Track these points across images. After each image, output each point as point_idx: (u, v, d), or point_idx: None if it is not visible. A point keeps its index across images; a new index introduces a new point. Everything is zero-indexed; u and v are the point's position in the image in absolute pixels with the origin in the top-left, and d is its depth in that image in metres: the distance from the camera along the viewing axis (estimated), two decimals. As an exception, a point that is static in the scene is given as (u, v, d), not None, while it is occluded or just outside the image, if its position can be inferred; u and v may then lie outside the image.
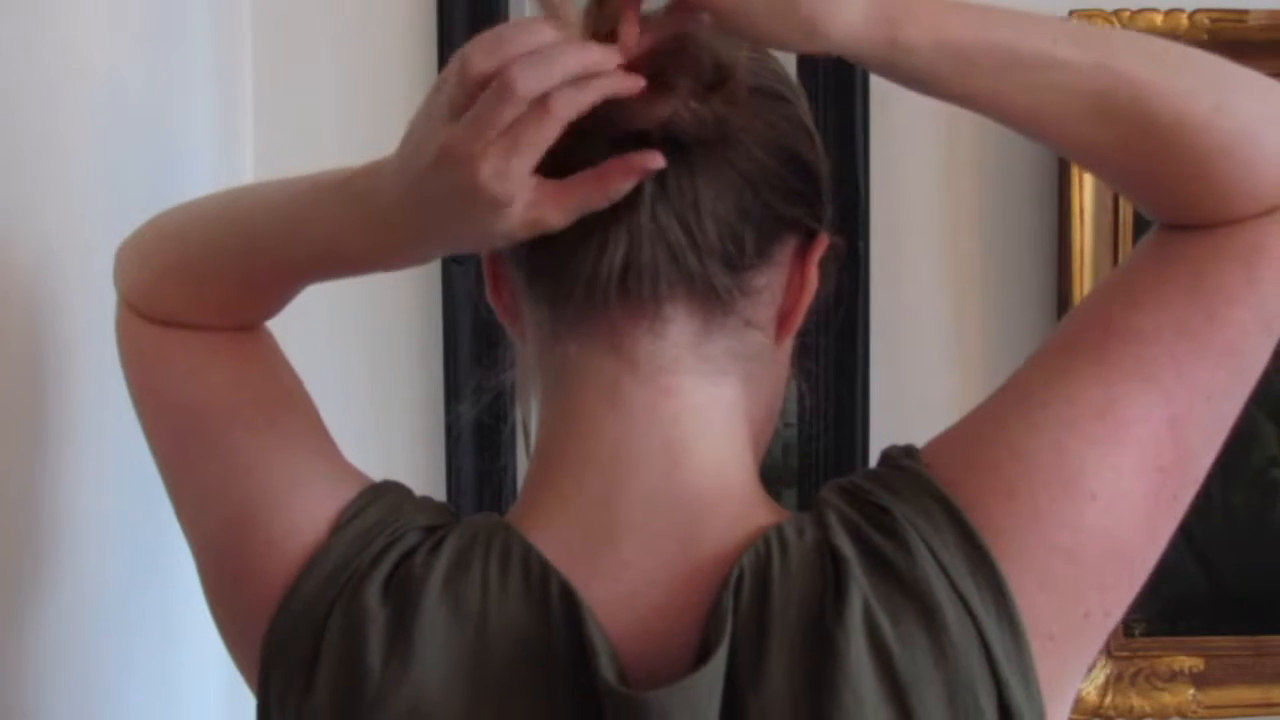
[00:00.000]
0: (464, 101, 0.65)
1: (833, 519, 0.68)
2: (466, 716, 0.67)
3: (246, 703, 0.75)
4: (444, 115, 0.66)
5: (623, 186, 0.66)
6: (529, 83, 0.64)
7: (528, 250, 0.71)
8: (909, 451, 0.72)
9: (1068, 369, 0.71)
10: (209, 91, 1.33)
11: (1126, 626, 1.42)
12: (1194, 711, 1.44)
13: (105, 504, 1.04)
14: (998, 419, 0.72)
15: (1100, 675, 1.43)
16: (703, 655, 0.65)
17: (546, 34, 0.66)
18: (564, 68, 0.65)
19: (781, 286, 0.74)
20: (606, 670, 0.65)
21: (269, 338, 0.83)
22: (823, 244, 0.75)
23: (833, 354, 1.41)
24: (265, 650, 0.71)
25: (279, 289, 0.80)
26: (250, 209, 0.80)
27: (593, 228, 0.68)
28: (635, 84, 0.66)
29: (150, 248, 0.83)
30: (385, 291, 1.43)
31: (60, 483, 0.97)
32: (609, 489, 0.70)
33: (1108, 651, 1.43)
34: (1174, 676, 1.44)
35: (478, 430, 1.40)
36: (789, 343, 0.77)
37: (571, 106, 0.65)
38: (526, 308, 0.74)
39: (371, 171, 0.71)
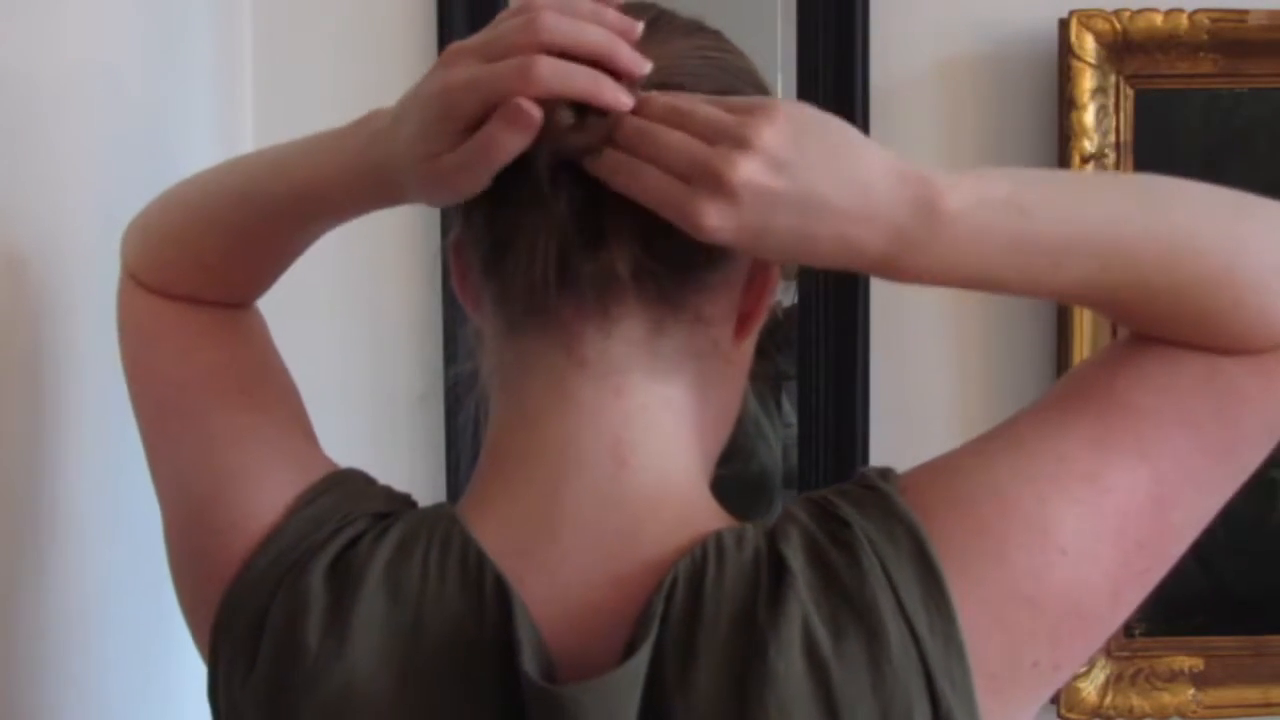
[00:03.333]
0: (499, 46, 0.66)
1: (791, 530, 0.68)
2: (396, 701, 0.67)
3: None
4: (477, 44, 0.67)
5: (508, 140, 0.65)
6: (557, 23, 0.65)
7: (482, 242, 0.72)
8: (884, 474, 0.71)
9: (1065, 426, 0.70)
10: (209, 91, 1.33)
11: (1127, 627, 1.42)
12: (1194, 711, 1.44)
13: (104, 503, 1.04)
14: (985, 459, 0.71)
15: (1100, 675, 1.43)
16: (626, 654, 0.65)
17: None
18: (591, 33, 0.65)
19: (740, 284, 0.74)
20: (529, 664, 0.65)
21: (260, 322, 0.85)
22: None
23: (833, 354, 1.41)
24: (215, 627, 0.73)
25: (269, 243, 0.81)
26: (246, 166, 0.82)
27: (530, 224, 0.68)
28: (615, 99, 0.66)
29: (154, 217, 0.85)
30: (385, 291, 1.43)
31: (58, 480, 0.97)
32: (554, 485, 0.70)
33: (1108, 651, 1.43)
34: (1174, 676, 1.44)
35: (478, 429, 1.40)
36: (749, 344, 0.76)
37: (553, 84, 0.65)
38: (484, 294, 0.74)
39: (377, 109, 0.73)
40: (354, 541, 0.71)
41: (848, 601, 0.65)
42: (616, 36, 0.66)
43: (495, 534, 0.70)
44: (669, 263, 0.69)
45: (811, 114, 0.66)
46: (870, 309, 1.42)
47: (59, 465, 0.97)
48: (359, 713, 0.68)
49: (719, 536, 0.68)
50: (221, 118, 1.36)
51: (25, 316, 0.93)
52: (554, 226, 0.68)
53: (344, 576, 0.70)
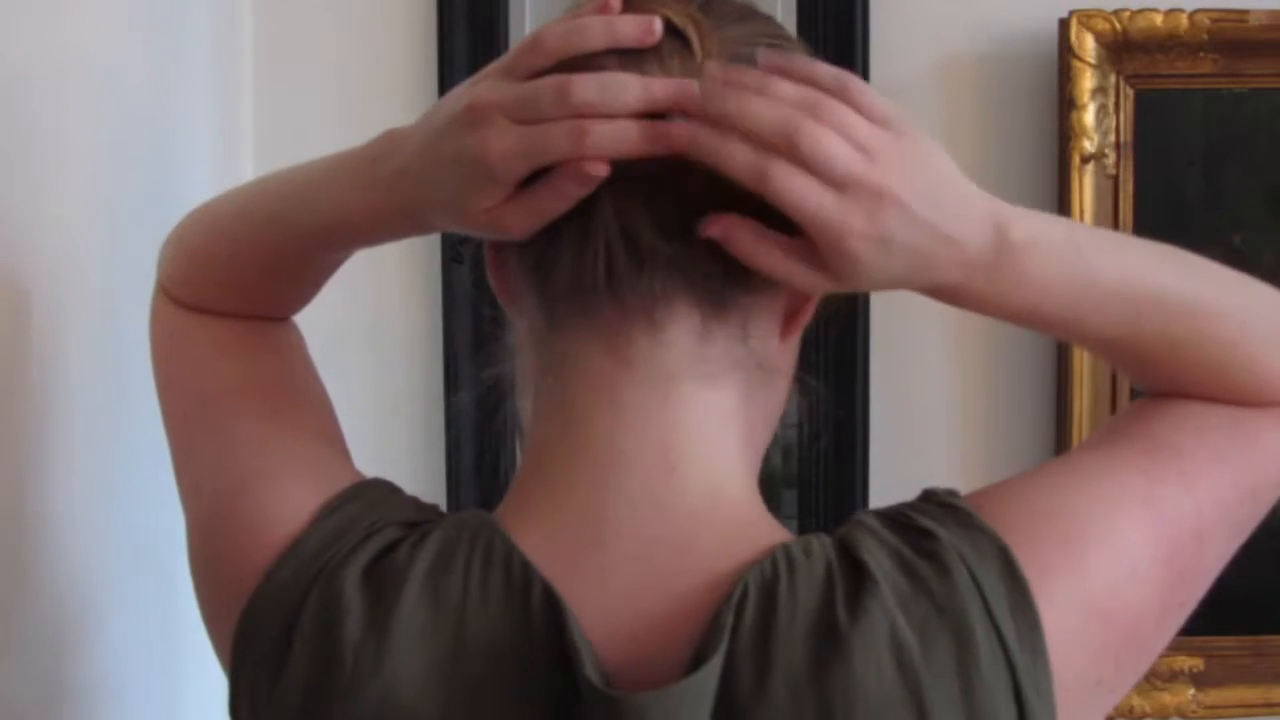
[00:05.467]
0: (521, 71, 0.66)
1: (867, 539, 0.67)
2: (437, 715, 0.66)
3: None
4: (495, 73, 0.67)
5: (575, 193, 0.66)
6: (589, 96, 0.65)
7: (528, 242, 0.70)
8: (954, 493, 0.72)
9: (1115, 459, 0.73)
10: (209, 91, 1.33)
11: (1126, 626, 1.42)
12: (1194, 711, 1.44)
13: (96, 509, 1.04)
14: (1051, 483, 0.73)
15: (1100, 675, 1.43)
16: (694, 665, 0.64)
17: (628, 30, 0.66)
18: (625, 99, 0.65)
19: (781, 288, 0.72)
20: (591, 671, 0.64)
21: (294, 336, 0.85)
22: None
23: (833, 354, 1.41)
24: (237, 636, 0.71)
25: (296, 266, 0.81)
26: (274, 187, 0.81)
27: (579, 223, 0.68)
28: (671, 143, 0.65)
29: (188, 235, 0.85)
30: (385, 291, 1.43)
31: (51, 485, 0.97)
32: (600, 492, 0.69)
33: (1108, 651, 1.43)
34: (1174, 676, 1.44)
35: (478, 428, 1.40)
36: (794, 345, 0.75)
37: (605, 146, 0.65)
38: (524, 291, 0.73)
39: (392, 132, 0.72)
40: (390, 548, 0.70)
41: (937, 610, 0.65)
42: (650, 82, 0.65)
43: (539, 542, 0.68)
44: (718, 264, 0.69)
45: (924, 133, 0.68)
46: (870, 309, 1.42)
47: (51, 468, 0.97)
48: None
49: (787, 548, 0.67)
50: (221, 118, 1.36)
51: (25, 316, 0.93)
52: (603, 227, 0.68)
53: (381, 584, 0.68)
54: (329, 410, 0.82)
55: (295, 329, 0.86)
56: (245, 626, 0.71)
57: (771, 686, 0.64)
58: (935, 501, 0.70)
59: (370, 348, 1.44)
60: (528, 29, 1.35)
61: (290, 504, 0.73)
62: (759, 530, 0.70)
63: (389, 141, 0.72)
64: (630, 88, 0.65)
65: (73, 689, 0.99)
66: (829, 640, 0.64)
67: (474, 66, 1.36)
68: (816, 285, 0.68)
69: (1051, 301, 0.70)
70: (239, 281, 0.82)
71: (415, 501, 0.75)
